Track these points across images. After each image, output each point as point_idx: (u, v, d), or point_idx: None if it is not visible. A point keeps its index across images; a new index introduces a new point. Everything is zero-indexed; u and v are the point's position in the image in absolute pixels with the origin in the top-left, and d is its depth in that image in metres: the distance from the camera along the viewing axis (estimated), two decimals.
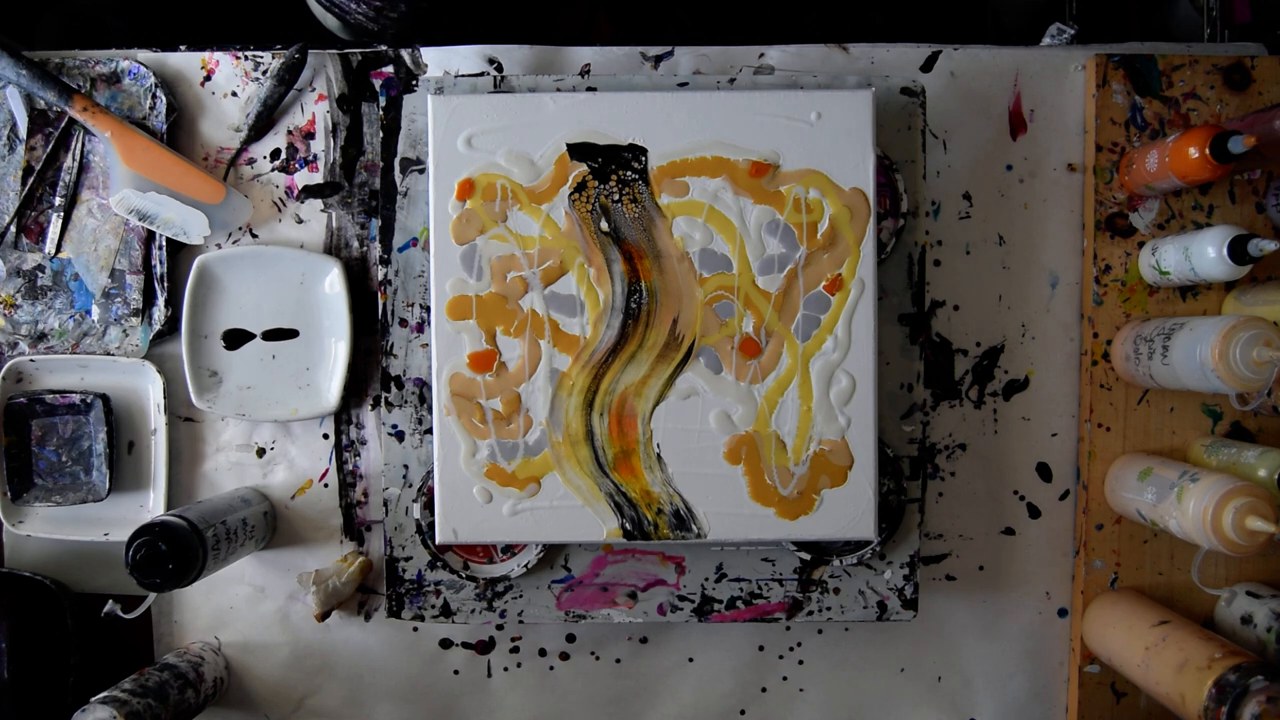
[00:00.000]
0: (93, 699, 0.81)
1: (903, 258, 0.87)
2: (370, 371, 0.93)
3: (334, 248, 0.93)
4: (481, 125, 0.82)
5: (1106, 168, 0.91)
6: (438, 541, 0.84)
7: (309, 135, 0.93)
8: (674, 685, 0.95)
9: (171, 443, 0.92)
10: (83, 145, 0.92)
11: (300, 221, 0.93)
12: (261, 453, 0.94)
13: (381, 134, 0.87)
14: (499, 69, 0.93)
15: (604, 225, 0.82)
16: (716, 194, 0.82)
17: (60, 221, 0.92)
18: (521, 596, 0.88)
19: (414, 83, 0.87)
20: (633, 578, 0.88)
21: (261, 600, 0.95)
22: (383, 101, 0.87)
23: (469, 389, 0.83)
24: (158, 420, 0.92)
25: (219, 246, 0.93)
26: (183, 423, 0.94)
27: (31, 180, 0.92)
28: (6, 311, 0.93)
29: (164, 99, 0.91)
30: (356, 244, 0.93)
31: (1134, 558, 0.91)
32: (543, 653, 0.95)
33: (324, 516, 0.94)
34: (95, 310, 0.93)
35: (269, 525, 0.93)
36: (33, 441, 0.92)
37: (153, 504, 0.93)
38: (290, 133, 0.93)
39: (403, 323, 0.87)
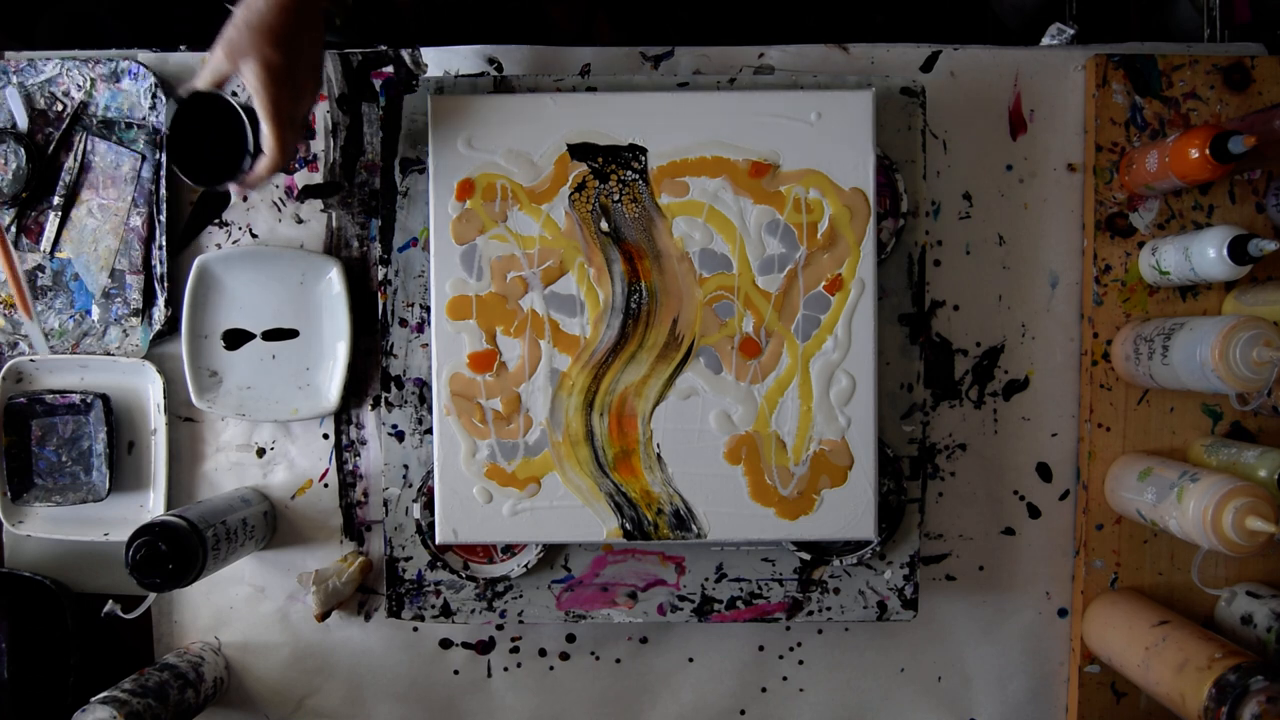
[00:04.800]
0: (93, 699, 0.81)
1: (903, 258, 0.87)
2: (370, 371, 0.93)
3: (334, 248, 0.93)
4: (481, 125, 0.82)
5: (1106, 168, 0.91)
6: (438, 541, 0.84)
7: (309, 135, 0.93)
8: (674, 685, 0.95)
9: (171, 443, 0.92)
10: (84, 145, 0.92)
11: (300, 221, 0.93)
12: (261, 453, 0.94)
13: (381, 134, 0.87)
14: (499, 69, 0.93)
15: (604, 225, 0.82)
16: (716, 194, 0.82)
17: (58, 221, 0.92)
18: (521, 596, 0.88)
19: (414, 83, 0.87)
20: (633, 578, 0.88)
21: (261, 600, 0.95)
22: (383, 101, 0.87)
23: (469, 389, 0.83)
24: (158, 420, 0.92)
25: (219, 247, 0.93)
26: (183, 423, 0.94)
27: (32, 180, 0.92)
28: (6, 311, 0.93)
29: (164, 99, 0.91)
30: (356, 244, 0.93)
31: (1134, 558, 0.91)
32: (543, 653, 0.95)
33: (324, 516, 0.94)
34: (95, 310, 0.93)
35: (269, 525, 0.93)
36: (33, 441, 0.92)
37: (153, 504, 0.93)
38: None
39: (403, 323, 0.87)
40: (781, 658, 0.95)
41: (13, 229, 0.93)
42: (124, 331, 0.92)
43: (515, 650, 0.95)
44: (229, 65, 0.69)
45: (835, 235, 0.82)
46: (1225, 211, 0.90)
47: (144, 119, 0.91)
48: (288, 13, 0.68)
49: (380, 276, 0.87)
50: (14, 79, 0.92)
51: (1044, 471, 0.94)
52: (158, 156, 0.91)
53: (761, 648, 0.95)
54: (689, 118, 0.82)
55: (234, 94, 0.89)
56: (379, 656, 0.95)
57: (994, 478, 0.94)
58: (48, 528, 0.92)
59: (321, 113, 0.93)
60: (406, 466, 0.87)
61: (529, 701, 0.95)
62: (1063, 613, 0.94)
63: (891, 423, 0.87)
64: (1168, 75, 0.90)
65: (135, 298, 0.92)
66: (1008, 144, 0.93)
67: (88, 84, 0.92)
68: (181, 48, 0.94)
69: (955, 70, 0.93)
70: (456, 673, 0.95)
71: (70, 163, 0.92)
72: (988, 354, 0.94)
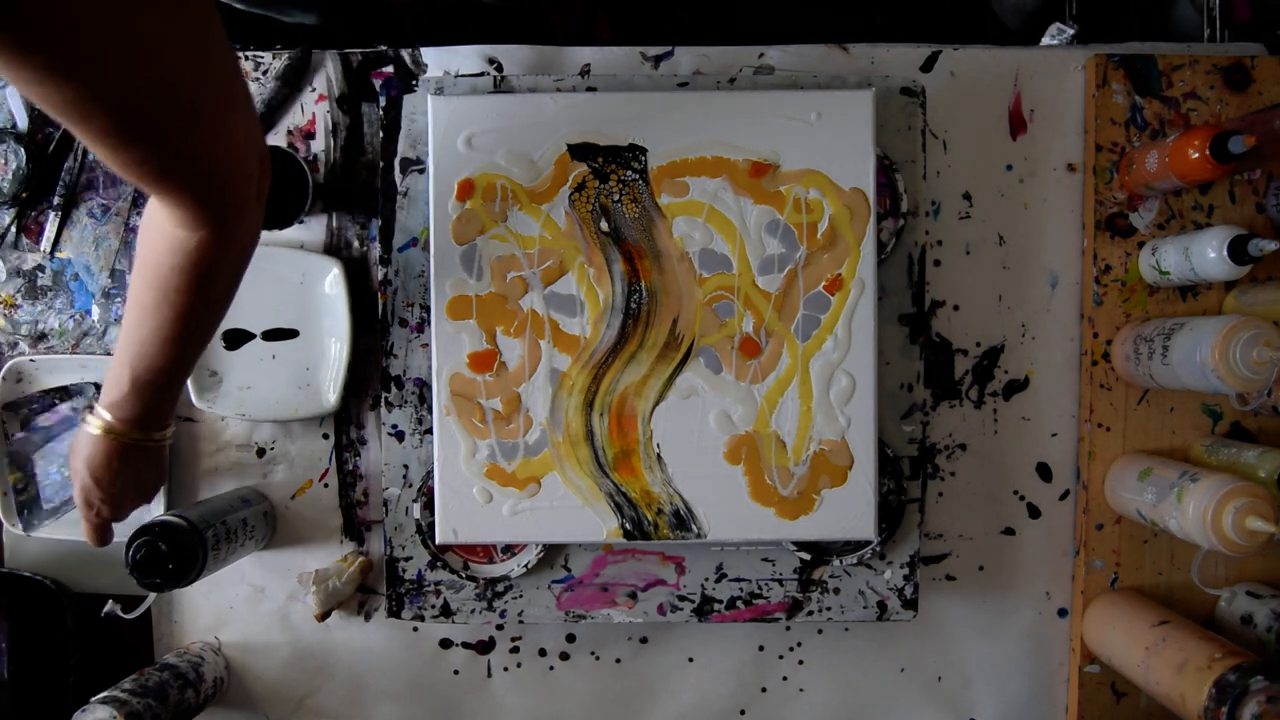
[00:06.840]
0: (93, 699, 0.81)
1: (903, 258, 0.87)
2: (370, 371, 0.93)
3: (334, 248, 0.93)
4: (481, 125, 0.82)
5: (1106, 168, 0.91)
6: (438, 541, 0.84)
7: (309, 135, 0.93)
8: (674, 685, 0.95)
9: (172, 443, 0.92)
10: (84, 145, 0.92)
11: (300, 221, 0.93)
12: (261, 453, 0.94)
13: (381, 134, 0.87)
14: (499, 69, 0.93)
15: (604, 225, 0.82)
16: (716, 194, 0.82)
17: (58, 221, 0.92)
18: (521, 596, 0.88)
19: (414, 83, 0.87)
20: (633, 578, 0.88)
21: (261, 600, 0.94)
22: (383, 101, 0.87)
23: (469, 389, 0.83)
24: None
25: None
26: (183, 423, 0.94)
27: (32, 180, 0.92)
28: (6, 311, 0.93)
29: None
30: (356, 244, 0.93)
31: (1134, 558, 0.91)
32: (543, 653, 0.95)
33: (324, 516, 0.94)
34: (95, 310, 0.92)
35: (269, 525, 0.93)
36: (28, 438, 0.92)
37: (153, 504, 0.92)
38: (290, 133, 0.93)
39: (403, 323, 0.87)
40: (781, 658, 0.95)
41: (13, 229, 0.93)
42: None
43: (515, 650, 0.95)
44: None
45: (835, 235, 0.82)
46: (1225, 211, 0.90)
47: None
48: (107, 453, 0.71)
49: (380, 276, 0.87)
50: None
51: (1044, 471, 0.94)
52: None
53: (761, 648, 0.95)
54: (689, 118, 0.82)
55: (293, 147, 0.90)
56: (379, 656, 0.95)
57: (994, 478, 0.94)
58: (48, 528, 0.92)
59: (322, 113, 0.93)
60: (406, 466, 0.87)
61: (529, 701, 0.95)
62: (1063, 613, 0.94)
63: (891, 423, 0.87)
64: (1168, 75, 0.90)
65: None
66: (1008, 144, 0.93)
67: None
68: None
69: (955, 70, 0.93)
70: (456, 673, 0.95)
71: (70, 163, 0.92)
72: (988, 354, 0.94)
